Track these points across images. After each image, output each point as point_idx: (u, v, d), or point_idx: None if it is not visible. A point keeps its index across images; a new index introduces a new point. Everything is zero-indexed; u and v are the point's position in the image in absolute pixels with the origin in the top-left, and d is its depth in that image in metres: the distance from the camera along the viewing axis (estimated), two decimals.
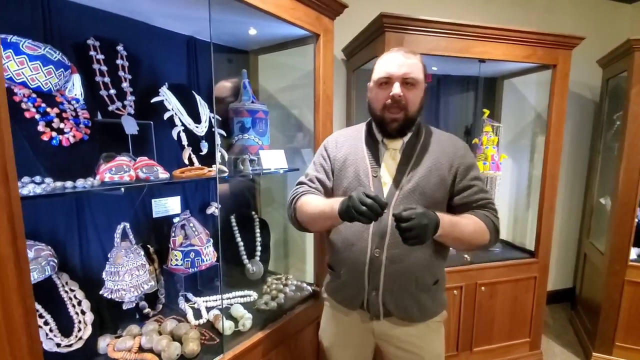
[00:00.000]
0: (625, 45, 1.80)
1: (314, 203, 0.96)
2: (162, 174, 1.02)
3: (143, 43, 1.17)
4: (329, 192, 1.05)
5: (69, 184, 0.84)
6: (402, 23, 1.45)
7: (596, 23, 2.45)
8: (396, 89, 0.90)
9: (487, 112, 2.00)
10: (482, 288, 1.79)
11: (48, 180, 0.81)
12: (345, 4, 1.30)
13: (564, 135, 2.48)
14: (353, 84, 1.96)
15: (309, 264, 1.70)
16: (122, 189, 0.90)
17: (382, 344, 1.05)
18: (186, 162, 1.18)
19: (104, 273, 1.06)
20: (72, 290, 1.00)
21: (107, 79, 1.03)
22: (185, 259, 1.27)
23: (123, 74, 1.08)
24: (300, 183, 1.06)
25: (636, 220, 2.05)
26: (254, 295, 1.40)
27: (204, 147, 1.26)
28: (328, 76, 1.33)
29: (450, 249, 1.04)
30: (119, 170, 0.92)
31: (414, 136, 1.00)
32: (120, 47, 1.07)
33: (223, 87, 1.41)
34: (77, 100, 0.93)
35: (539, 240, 1.87)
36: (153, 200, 1.28)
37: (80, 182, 0.85)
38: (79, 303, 1.00)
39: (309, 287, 1.46)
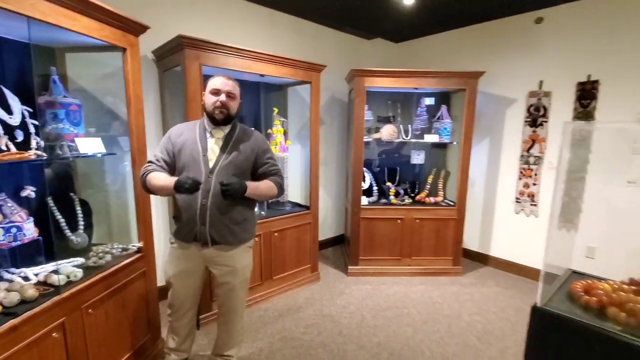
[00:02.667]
0: (351, 73, 3.05)
1: (157, 179, 1.56)
2: None
3: None
4: (170, 166, 1.64)
5: None
6: (197, 44, 2.09)
7: (348, 51, 3.81)
8: (222, 97, 1.59)
9: (276, 110, 2.90)
10: (275, 234, 2.70)
11: None
12: (147, 26, 1.81)
13: (335, 127, 3.68)
14: (165, 82, 2.46)
15: (133, 233, 2.12)
16: None
17: (210, 265, 1.70)
18: (3, 148, 1.44)
19: None
20: None
21: None
22: (7, 234, 1.51)
23: None
24: (150, 162, 1.63)
25: (370, 180, 3.46)
26: (81, 260, 1.76)
27: (19, 135, 1.53)
28: (137, 80, 1.82)
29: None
30: None
31: (232, 130, 1.69)
32: None
33: None
34: None
35: (310, 198, 2.95)
36: None
37: None
38: None
39: (134, 247, 1.93)
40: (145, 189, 1.63)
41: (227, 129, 1.68)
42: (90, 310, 1.58)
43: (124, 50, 1.73)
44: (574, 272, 1.30)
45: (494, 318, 2.49)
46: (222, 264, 1.69)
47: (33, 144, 1.57)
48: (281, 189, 1.77)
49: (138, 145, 1.86)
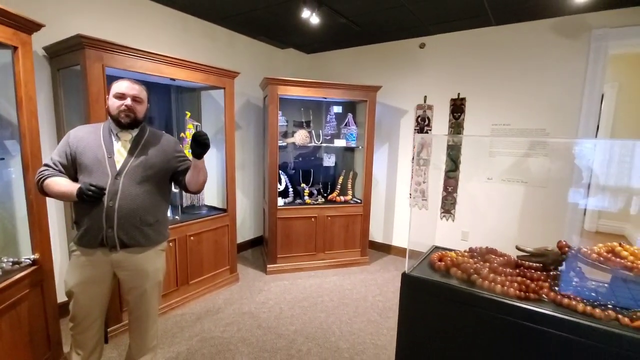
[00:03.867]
0: (264, 81, 3.22)
1: (58, 184, 1.50)
2: None
3: None
4: (68, 170, 1.57)
5: None
6: (100, 44, 2.02)
7: (262, 59, 3.97)
8: (128, 101, 1.56)
9: (188, 113, 2.91)
10: (191, 238, 2.71)
11: None
12: (42, 24, 1.71)
13: (251, 132, 3.79)
14: (59, 81, 2.29)
15: (23, 244, 1.93)
16: None
17: (118, 271, 1.63)
18: None
19: None
20: None
21: None
22: None
23: None
24: (47, 165, 1.54)
25: (285, 182, 3.66)
26: None
27: None
28: (29, 80, 1.70)
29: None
30: None
31: (140, 133, 1.67)
32: None
33: None
34: None
35: (227, 200, 3.02)
36: None
37: None
38: None
39: (28, 259, 1.78)
40: (42, 194, 1.55)
41: (134, 132, 1.67)
42: None
43: (14, 48, 1.61)
44: (437, 247, 1.69)
45: (392, 296, 2.92)
46: (132, 268, 1.65)
47: None
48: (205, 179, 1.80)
49: (32, 149, 1.73)
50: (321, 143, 3.65)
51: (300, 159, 3.94)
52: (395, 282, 3.14)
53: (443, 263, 1.40)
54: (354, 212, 3.58)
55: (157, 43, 2.86)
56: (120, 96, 1.58)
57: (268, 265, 3.40)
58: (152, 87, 2.78)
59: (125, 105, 1.57)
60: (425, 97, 3.63)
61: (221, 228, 2.97)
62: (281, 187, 3.54)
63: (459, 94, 3.43)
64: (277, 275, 3.36)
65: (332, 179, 3.96)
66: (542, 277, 1.28)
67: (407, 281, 1.35)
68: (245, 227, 4.01)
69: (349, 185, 3.80)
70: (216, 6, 2.93)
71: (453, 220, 3.55)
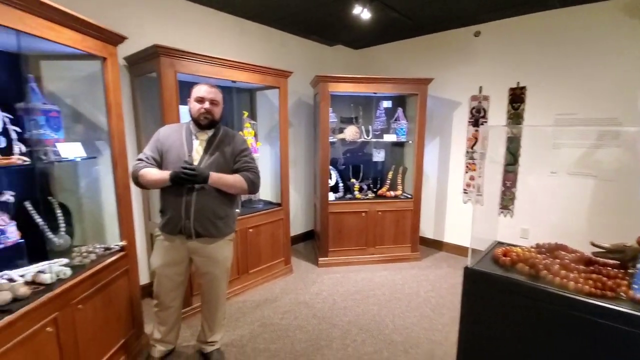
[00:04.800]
0: (316, 79, 3.29)
1: (152, 174, 1.73)
2: None
3: None
4: (158, 164, 1.79)
5: None
6: (171, 52, 2.22)
7: (312, 57, 4.05)
8: (206, 105, 1.75)
9: (246, 113, 3.07)
10: (250, 230, 2.88)
11: None
12: (125, 37, 1.92)
13: (302, 129, 3.92)
14: (137, 87, 2.55)
15: (110, 233, 2.19)
16: None
17: (194, 257, 1.85)
18: None
19: None
20: None
21: None
22: None
23: None
24: (140, 159, 1.78)
25: (336, 178, 3.73)
26: (65, 260, 1.84)
27: (1, 142, 1.60)
28: (116, 87, 1.92)
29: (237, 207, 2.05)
30: None
31: (215, 133, 1.85)
32: None
33: None
34: None
35: (282, 195, 3.15)
36: None
37: None
38: None
39: (117, 246, 2.03)
40: (138, 185, 1.78)
41: (210, 132, 1.84)
42: (79, 306, 1.67)
43: (104, 59, 1.84)
44: (499, 242, 1.64)
45: (446, 293, 2.86)
46: (206, 255, 1.85)
47: (15, 149, 1.64)
48: (252, 184, 1.85)
49: (119, 149, 1.96)
50: (371, 138, 3.65)
51: (349, 154, 3.98)
52: (448, 279, 3.08)
53: (509, 258, 1.36)
54: (404, 207, 3.55)
55: (218, 48, 3.06)
56: (200, 100, 1.76)
57: (320, 258, 3.49)
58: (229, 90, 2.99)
59: (204, 109, 1.75)
60: (481, 87, 3.47)
61: (276, 221, 3.11)
62: (331, 183, 3.60)
63: (518, 82, 3.24)
64: (328, 268, 3.44)
65: (381, 174, 3.95)
66: (620, 275, 1.20)
67: (470, 275, 1.33)
68: (297, 222, 4.15)
69: (399, 180, 3.76)
70: (271, 9, 3.05)
71: (511, 217, 3.37)
